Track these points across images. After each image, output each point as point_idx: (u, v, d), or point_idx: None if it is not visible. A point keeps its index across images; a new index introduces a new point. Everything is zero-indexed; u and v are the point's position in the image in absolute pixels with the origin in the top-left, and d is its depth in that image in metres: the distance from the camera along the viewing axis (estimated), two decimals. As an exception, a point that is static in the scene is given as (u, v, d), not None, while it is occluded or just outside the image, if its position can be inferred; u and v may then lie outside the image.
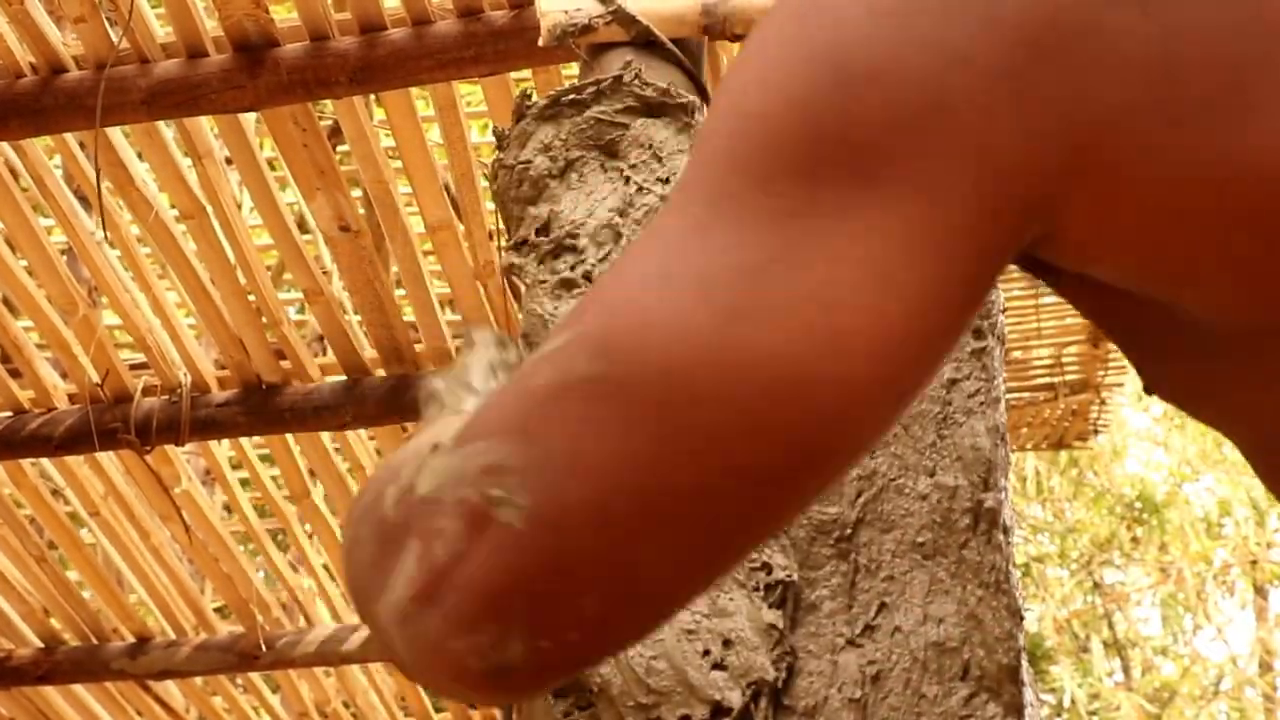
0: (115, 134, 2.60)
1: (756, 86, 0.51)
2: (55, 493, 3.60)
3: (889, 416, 0.51)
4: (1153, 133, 0.50)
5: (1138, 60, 0.50)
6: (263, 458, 3.72)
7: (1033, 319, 4.39)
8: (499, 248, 2.84)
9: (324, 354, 4.99)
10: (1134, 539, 9.37)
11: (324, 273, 3.65)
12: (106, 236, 2.82)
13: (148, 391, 3.02)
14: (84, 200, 3.48)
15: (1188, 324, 0.56)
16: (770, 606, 1.01)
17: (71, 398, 3.11)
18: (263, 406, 2.97)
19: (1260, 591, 9.54)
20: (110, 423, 2.99)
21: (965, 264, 0.50)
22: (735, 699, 0.96)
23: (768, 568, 1.03)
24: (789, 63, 0.51)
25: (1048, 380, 4.68)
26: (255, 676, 3.98)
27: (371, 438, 3.43)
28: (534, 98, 1.31)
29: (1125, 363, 5.31)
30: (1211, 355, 0.57)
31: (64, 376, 3.33)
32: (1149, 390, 0.64)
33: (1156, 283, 0.54)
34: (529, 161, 1.23)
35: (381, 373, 2.97)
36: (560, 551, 0.49)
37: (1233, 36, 0.50)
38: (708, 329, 0.48)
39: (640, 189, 1.21)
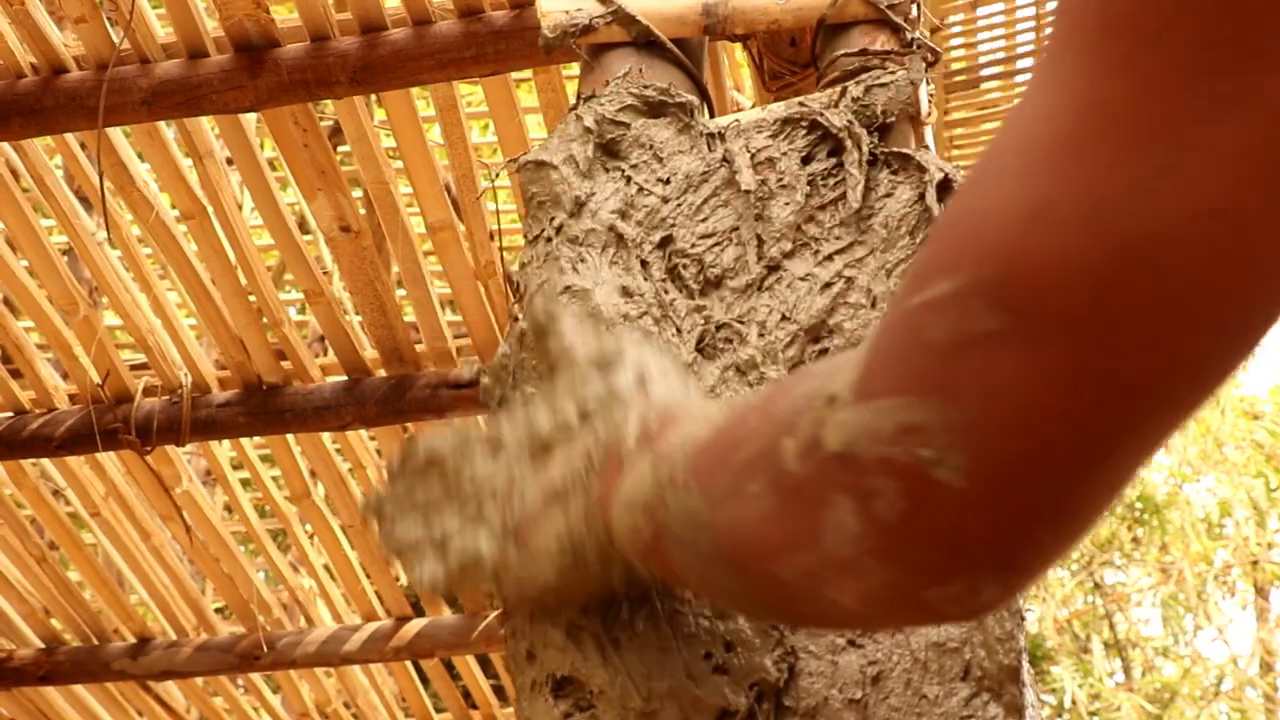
0: (116, 134, 2.61)
1: None
2: (56, 493, 3.60)
3: None
4: None
5: None
6: (263, 458, 3.73)
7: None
8: (500, 248, 2.84)
9: (325, 354, 5.00)
10: (1135, 539, 9.37)
11: (325, 273, 3.65)
12: (108, 237, 2.82)
13: (149, 392, 3.03)
14: (85, 201, 3.49)
15: None
16: (771, 607, 1.02)
17: (72, 398, 3.11)
18: (263, 407, 2.97)
19: (1261, 592, 9.54)
20: (111, 423, 2.99)
21: None
22: (741, 703, 0.96)
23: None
24: None
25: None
26: (256, 677, 3.98)
27: (372, 438, 3.43)
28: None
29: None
30: None
31: (65, 377, 3.33)
32: None
33: None
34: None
35: (382, 373, 2.97)
36: (1007, 502, 0.49)
37: None
38: (1105, 265, 0.45)
39: (641, 189, 1.21)
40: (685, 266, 1.17)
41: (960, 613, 0.53)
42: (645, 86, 1.26)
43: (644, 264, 1.17)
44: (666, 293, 1.15)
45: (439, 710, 4.42)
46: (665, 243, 1.18)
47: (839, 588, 0.55)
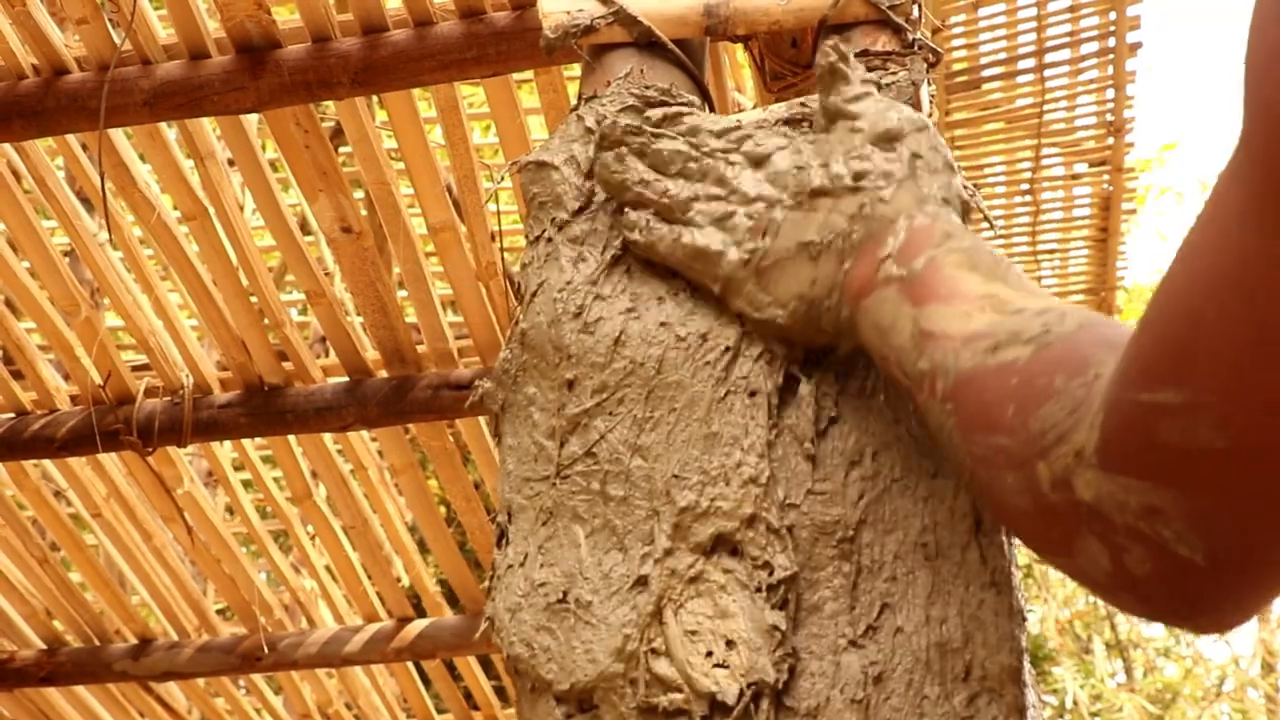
0: (118, 135, 2.61)
1: None
2: (57, 494, 3.61)
3: None
4: None
5: None
6: (265, 459, 3.73)
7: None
8: (501, 249, 2.84)
9: (326, 355, 5.00)
10: (1136, 540, 9.36)
11: (326, 274, 3.65)
12: (110, 238, 2.82)
13: (150, 393, 3.03)
14: (86, 202, 3.49)
15: None
16: (773, 608, 1.01)
17: (74, 399, 3.12)
18: (265, 408, 2.97)
19: (1263, 593, 9.53)
20: (112, 424, 2.99)
21: None
22: (732, 694, 0.96)
23: (770, 568, 1.03)
24: None
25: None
26: (257, 678, 3.99)
27: (374, 439, 3.44)
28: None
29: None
30: None
31: (66, 378, 3.33)
32: None
33: None
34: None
35: (384, 374, 2.97)
36: (1246, 578, 0.55)
37: None
38: None
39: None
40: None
41: (1202, 631, 0.60)
42: (647, 87, 1.26)
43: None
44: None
45: (440, 711, 4.42)
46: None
47: (1090, 581, 0.62)
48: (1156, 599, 0.59)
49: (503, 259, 2.85)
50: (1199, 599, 0.57)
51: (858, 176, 0.91)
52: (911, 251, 0.82)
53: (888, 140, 0.95)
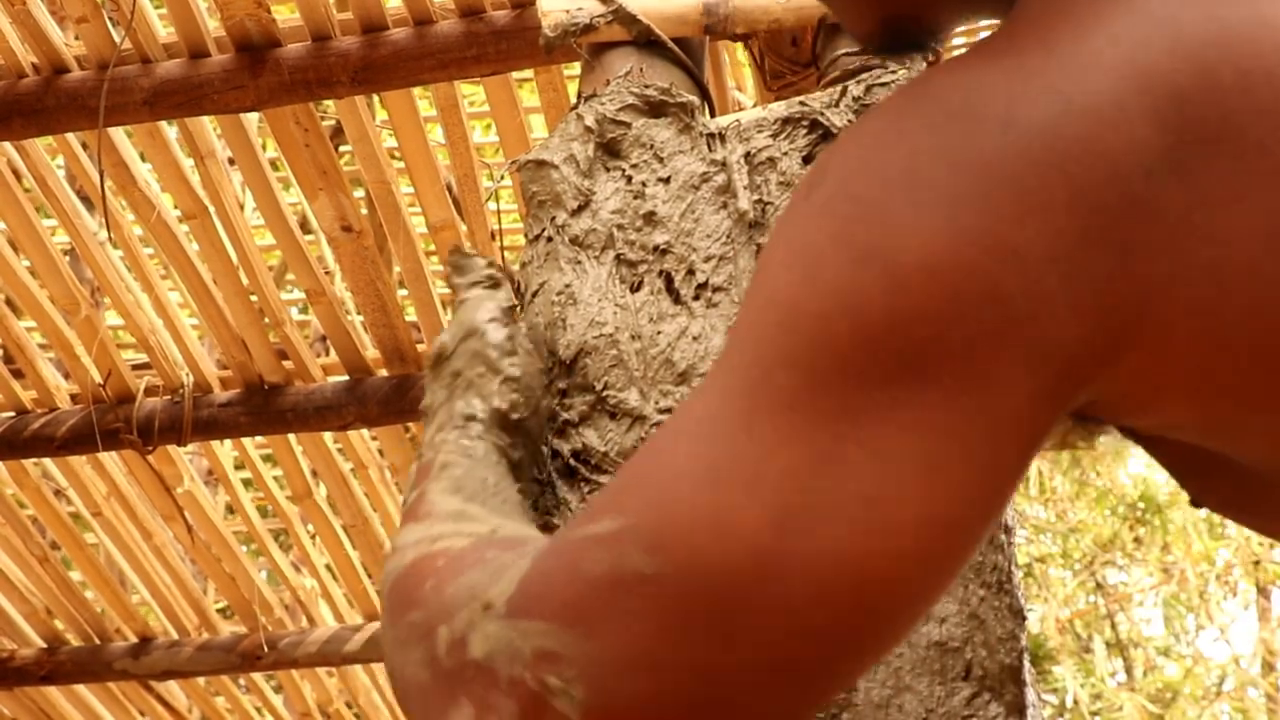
0: (118, 134, 2.61)
1: (804, 283, 0.51)
2: (58, 493, 3.60)
3: (934, 598, 0.52)
4: (1200, 298, 0.50)
5: (1180, 229, 0.50)
6: (265, 458, 3.72)
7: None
8: (501, 248, 2.84)
9: (326, 354, 5.00)
10: (1136, 539, 9.36)
11: (326, 273, 3.65)
12: (110, 237, 2.82)
13: (150, 392, 3.03)
14: (86, 200, 3.49)
15: (1233, 461, 0.57)
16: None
17: (74, 398, 3.11)
18: (265, 407, 2.97)
19: (1263, 592, 9.53)
20: (112, 423, 2.99)
21: (1014, 447, 0.51)
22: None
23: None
24: (837, 262, 0.51)
25: (1050, 380, 4.67)
26: (258, 677, 3.99)
27: (374, 438, 3.43)
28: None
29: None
30: (1255, 483, 0.58)
31: (66, 377, 3.33)
32: (1195, 504, 0.66)
33: (1202, 434, 0.55)
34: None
35: (384, 373, 2.97)
36: None
37: (1270, 197, 0.50)
38: (758, 532, 0.49)
39: (641, 192, 1.21)
40: (677, 273, 1.16)
41: None
42: (646, 86, 1.26)
43: (633, 265, 1.17)
44: (656, 304, 1.15)
45: (441, 710, 4.41)
46: (663, 251, 1.18)
47: None
48: None
49: (503, 258, 2.85)
50: None
51: (426, 407, 0.99)
52: (412, 486, 0.85)
53: (438, 361, 1.01)
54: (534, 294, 1.18)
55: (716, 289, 1.15)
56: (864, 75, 1.26)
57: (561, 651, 0.51)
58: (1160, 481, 9.46)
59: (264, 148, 3.13)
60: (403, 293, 3.77)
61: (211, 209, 2.72)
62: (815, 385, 0.50)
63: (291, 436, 3.21)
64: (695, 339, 1.13)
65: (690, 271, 1.16)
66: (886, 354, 0.49)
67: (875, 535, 0.49)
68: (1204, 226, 0.50)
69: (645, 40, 1.32)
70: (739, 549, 0.49)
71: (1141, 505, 9.20)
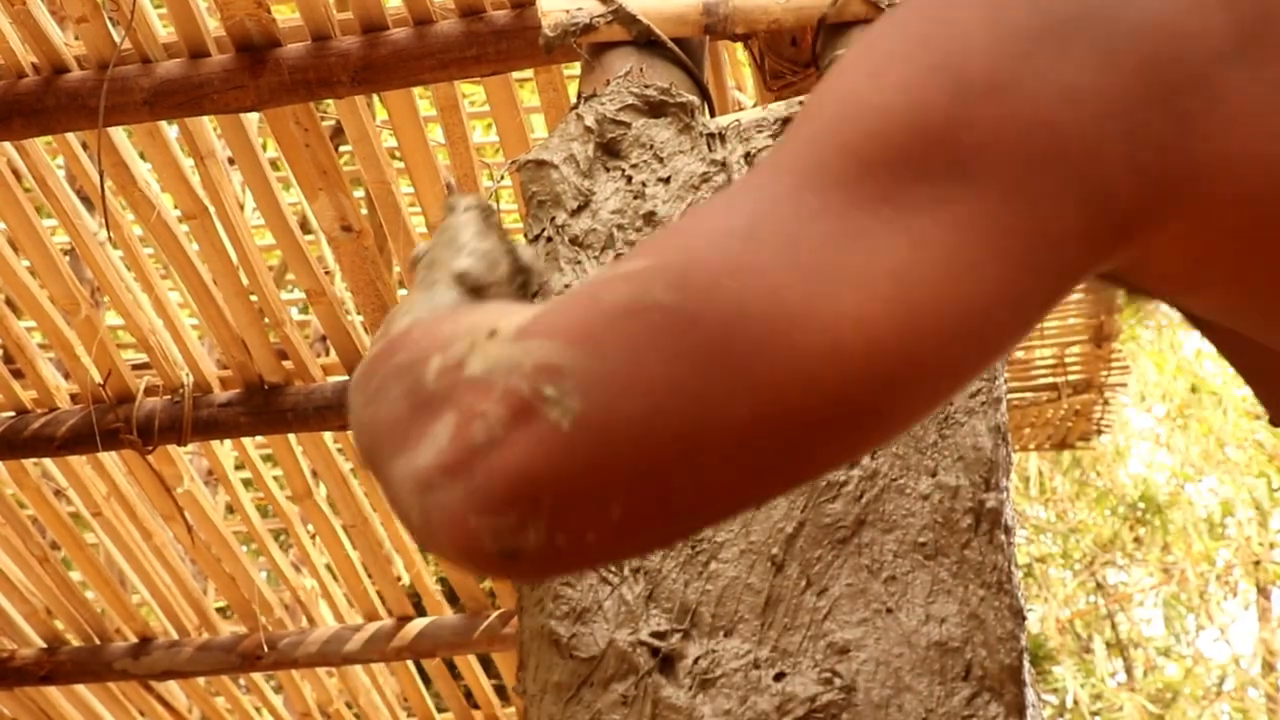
0: (118, 134, 2.61)
1: (871, 79, 0.53)
2: (58, 493, 3.60)
3: (936, 400, 0.54)
4: (1251, 191, 0.52)
5: (1241, 118, 0.52)
6: (265, 458, 3.72)
7: (1035, 319, 4.37)
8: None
9: (326, 354, 5.00)
10: (1136, 539, 9.36)
11: (326, 273, 3.65)
12: (110, 237, 2.82)
13: (150, 392, 3.03)
14: (86, 200, 3.49)
15: None
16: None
17: (74, 398, 3.11)
18: (265, 407, 2.97)
19: (1263, 592, 9.53)
20: (112, 423, 2.99)
21: (1048, 274, 0.53)
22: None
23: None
24: (909, 64, 0.53)
25: (1051, 380, 4.68)
26: (258, 677, 3.99)
27: (374, 438, 3.43)
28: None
29: (1128, 363, 5.31)
30: None
31: (66, 377, 3.33)
32: (1274, 422, 0.66)
33: (1246, 321, 0.57)
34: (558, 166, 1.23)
35: (384, 373, 2.96)
36: (598, 459, 0.51)
37: None
38: (785, 286, 0.50)
39: (641, 192, 1.21)
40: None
41: (498, 548, 0.52)
42: (646, 86, 1.26)
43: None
44: None
45: (441, 710, 4.42)
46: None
47: (410, 499, 0.56)
48: (472, 476, 0.52)
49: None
50: (523, 479, 0.51)
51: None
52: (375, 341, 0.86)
53: (414, 263, 1.08)
54: (533, 295, 1.18)
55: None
56: (864, 75, 1.26)
57: (564, 365, 0.51)
58: (1160, 482, 9.46)
59: (264, 148, 3.13)
60: (403, 293, 3.77)
61: (211, 209, 2.72)
62: (865, 171, 0.52)
63: (291, 436, 3.21)
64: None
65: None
66: (940, 152, 0.51)
67: (899, 310, 0.50)
68: (1266, 120, 0.52)
69: (645, 40, 1.32)
70: (762, 296, 0.50)
71: (1141, 505, 9.20)
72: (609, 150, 1.24)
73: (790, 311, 0.50)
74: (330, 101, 2.57)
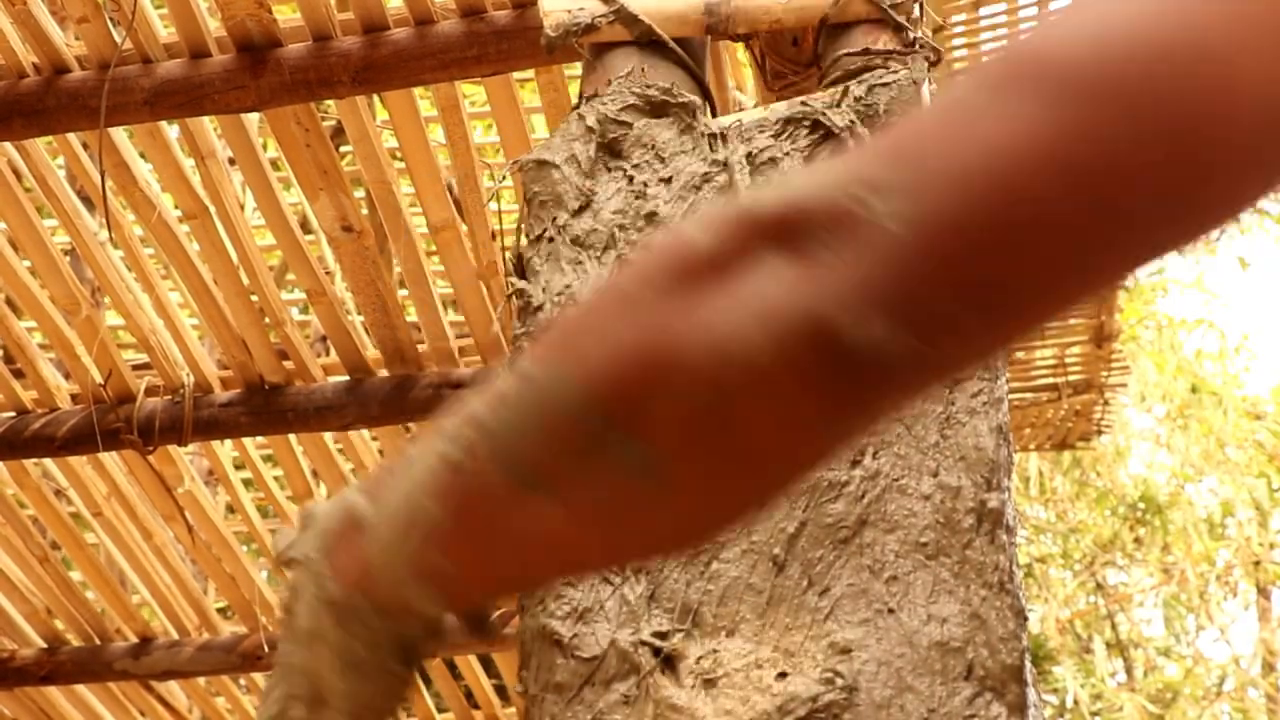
0: (118, 134, 2.61)
1: None
2: (58, 493, 3.60)
3: None
4: None
5: None
6: (265, 458, 3.72)
7: (1036, 319, 4.37)
8: (502, 248, 2.84)
9: (327, 354, 5.00)
10: (1137, 540, 9.37)
11: (327, 273, 3.65)
12: (110, 237, 2.82)
13: (150, 392, 3.03)
14: (87, 201, 3.49)
15: None
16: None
17: (74, 398, 3.12)
18: (265, 407, 2.97)
19: (1263, 592, 9.53)
20: (113, 423, 2.99)
21: None
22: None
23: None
24: None
25: (1051, 380, 4.68)
26: (258, 677, 3.98)
27: (374, 438, 3.43)
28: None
29: (1128, 363, 5.31)
30: None
31: (67, 377, 3.33)
32: None
33: None
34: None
35: (384, 373, 2.97)
36: (942, 257, 0.49)
37: None
38: (1140, 80, 0.48)
39: (642, 192, 1.21)
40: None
41: (869, 362, 0.50)
42: (647, 86, 1.26)
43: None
44: None
45: (441, 710, 4.42)
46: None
47: (752, 356, 0.50)
48: (835, 290, 0.50)
49: (504, 258, 2.85)
50: (882, 285, 0.50)
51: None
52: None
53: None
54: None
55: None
56: (865, 75, 1.26)
57: (888, 181, 0.49)
58: (1160, 482, 9.47)
59: (264, 148, 3.13)
60: (403, 293, 3.77)
61: (212, 209, 2.72)
62: None
63: (292, 436, 3.21)
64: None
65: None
66: None
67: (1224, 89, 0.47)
68: None
69: (647, 40, 1.32)
70: (1119, 100, 0.48)
71: (1141, 505, 9.20)
72: (610, 150, 1.24)
73: (1159, 56, 0.48)
74: (331, 101, 2.57)
